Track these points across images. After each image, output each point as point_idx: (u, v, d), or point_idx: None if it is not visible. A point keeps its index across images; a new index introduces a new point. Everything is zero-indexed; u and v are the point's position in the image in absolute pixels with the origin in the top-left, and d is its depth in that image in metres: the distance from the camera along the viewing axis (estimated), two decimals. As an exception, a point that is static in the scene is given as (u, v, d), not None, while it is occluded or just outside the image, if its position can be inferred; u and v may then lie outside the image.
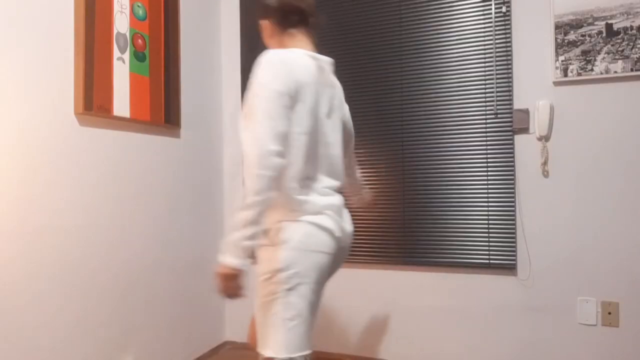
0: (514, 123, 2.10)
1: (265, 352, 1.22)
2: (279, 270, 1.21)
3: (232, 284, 1.20)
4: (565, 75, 2.03)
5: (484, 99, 2.15)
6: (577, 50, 2.01)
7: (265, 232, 1.28)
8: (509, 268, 2.13)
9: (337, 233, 1.30)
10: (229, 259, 1.17)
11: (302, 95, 1.23)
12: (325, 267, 1.27)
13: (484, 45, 2.15)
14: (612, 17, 1.96)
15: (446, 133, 2.21)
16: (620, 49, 1.95)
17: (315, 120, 1.28)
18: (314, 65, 1.30)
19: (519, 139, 2.12)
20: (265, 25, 1.41)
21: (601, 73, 1.97)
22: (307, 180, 1.29)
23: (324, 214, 1.29)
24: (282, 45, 1.37)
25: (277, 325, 1.21)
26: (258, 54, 1.27)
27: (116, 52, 1.89)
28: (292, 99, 1.22)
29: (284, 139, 1.20)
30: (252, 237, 1.16)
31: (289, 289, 1.21)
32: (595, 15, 1.99)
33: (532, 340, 2.11)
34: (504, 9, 2.12)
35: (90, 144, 1.82)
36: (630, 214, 1.96)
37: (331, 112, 1.36)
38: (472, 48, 2.17)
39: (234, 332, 2.67)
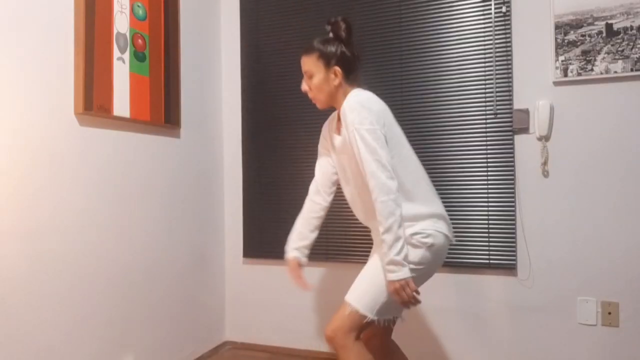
0: (514, 123, 2.10)
1: (359, 306, 1.41)
2: (416, 263, 1.44)
3: (408, 292, 1.38)
4: (565, 75, 2.03)
5: (483, 99, 2.15)
6: (577, 50, 2.01)
7: (414, 234, 1.46)
8: (509, 268, 2.13)
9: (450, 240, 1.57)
10: (396, 275, 1.37)
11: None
12: (434, 272, 1.56)
13: (484, 45, 2.15)
14: (612, 17, 1.96)
15: (446, 133, 2.21)
16: (620, 49, 1.95)
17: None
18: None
19: (519, 139, 2.12)
20: (337, 72, 1.55)
21: (601, 73, 1.97)
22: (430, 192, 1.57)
23: (447, 222, 1.56)
24: (343, 90, 1.56)
25: (381, 296, 1.42)
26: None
27: (116, 52, 1.89)
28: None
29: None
30: (402, 249, 1.38)
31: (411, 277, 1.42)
32: (595, 15, 1.99)
33: (532, 340, 2.11)
34: (504, 9, 2.12)
35: (90, 144, 1.82)
36: (631, 214, 1.96)
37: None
38: (472, 48, 2.17)
39: (234, 332, 2.67)
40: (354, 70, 1.58)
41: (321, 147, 1.76)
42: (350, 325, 1.42)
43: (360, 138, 1.41)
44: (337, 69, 1.54)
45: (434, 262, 1.51)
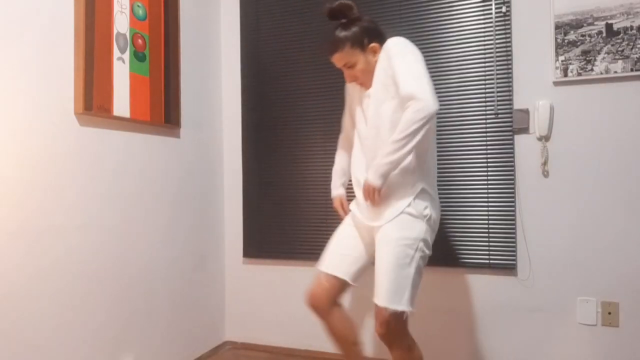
0: (514, 123, 2.10)
1: (398, 306, 1.45)
2: (421, 240, 1.50)
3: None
4: (565, 75, 2.03)
5: (484, 99, 2.15)
6: (577, 50, 2.01)
7: (412, 204, 1.51)
8: (509, 268, 2.13)
9: None
10: (377, 179, 1.48)
11: None
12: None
13: (484, 45, 2.15)
14: (612, 17, 1.96)
15: (446, 133, 2.21)
16: (620, 49, 1.95)
17: None
18: None
19: (519, 139, 2.12)
20: (375, 48, 1.57)
21: (601, 73, 1.97)
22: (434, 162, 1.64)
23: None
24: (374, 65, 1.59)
25: (409, 284, 1.47)
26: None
27: (116, 52, 1.89)
28: None
29: None
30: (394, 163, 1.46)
31: (422, 256, 1.51)
32: (595, 15, 1.99)
33: (532, 340, 2.11)
34: (504, 9, 2.12)
35: (90, 144, 1.82)
36: (631, 214, 1.96)
37: None
38: (472, 48, 2.17)
39: (234, 332, 2.67)
40: (382, 35, 1.61)
41: (348, 100, 1.81)
42: (400, 326, 1.49)
43: (410, 55, 1.48)
44: (374, 45, 1.57)
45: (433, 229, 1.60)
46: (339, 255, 1.67)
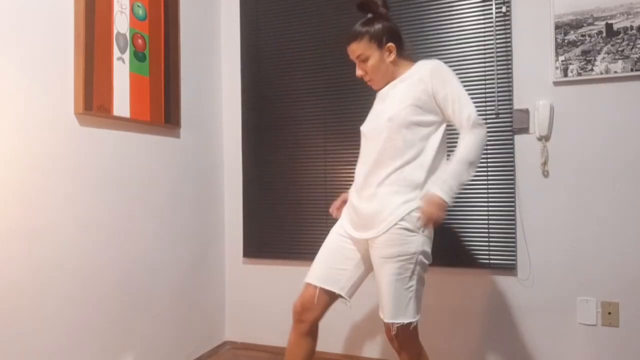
0: (514, 123, 2.10)
1: (404, 319, 1.47)
2: (419, 253, 1.48)
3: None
4: (565, 75, 2.03)
5: (484, 99, 2.15)
6: (577, 50, 2.01)
7: (408, 218, 1.48)
8: (509, 268, 2.13)
9: None
10: (447, 197, 1.47)
11: None
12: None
13: (484, 45, 2.15)
14: (612, 17, 1.96)
15: (446, 133, 2.20)
16: (620, 49, 1.95)
17: None
18: None
19: (519, 139, 2.12)
20: (391, 48, 1.57)
21: (601, 73, 1.97)
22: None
23: None
24: (398, 64, 1.59)
25: (412, 296, 1.48)
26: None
27: (116, 52, 1.89)
28: None
29: None
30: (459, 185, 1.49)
31: (422, 268, 1.50)
32: (595, 15, 1.99)
33: (532, 340, 2.11)
34: (504, 9, 2.12)
35: (90, 144, 1.81)
36: (631, 214, 1.96)
37: None
38: (472, 48, 2.17)
39: (234, 332, 2.67)
40: (401, 39, 1.61)
41: None
42: (409, 335, 1.52)
43: (457, 91, 1.51)
44: (391, 44, 1.56)
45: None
46: (334, 269, 1.62)
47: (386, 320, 1.50)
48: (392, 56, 1.57)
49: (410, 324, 1.48)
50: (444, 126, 1.55)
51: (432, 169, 1.52)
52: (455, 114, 1.51)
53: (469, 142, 1.49)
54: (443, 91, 1.50)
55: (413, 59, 1.63)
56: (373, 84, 1.63)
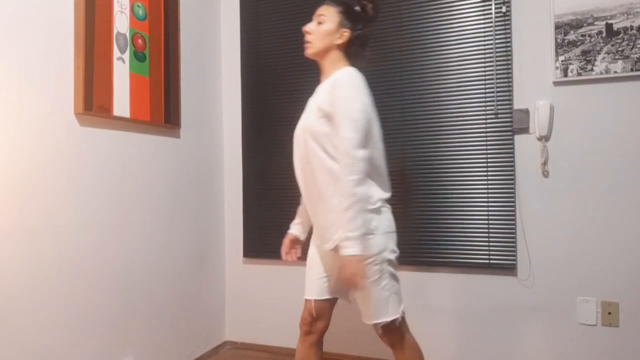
0: (514, 123, 2.10)
1: (387, 317, 1.47)
2: (382, 251, 1.46)
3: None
4: (565, 75, 2.03)
5: (484, 99, 2.15)
6: (577, 50, 2.01)
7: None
8: (509, 268, 2.13)
9: None
10: (352, 250, 1.37)
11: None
12: (396, 240, 1.57)
13: (484, 45, 2.15)
14: (612, 17, 1.96)
15: (446, 133, 2.21)
16: (620, 49, 1.95)
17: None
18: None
19: (519, 139, 2.12)
20: (346, 34, 1.56)
21: (601, 73, 1.97)
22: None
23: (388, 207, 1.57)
24: (339, 56, 1.59)
25: (388, 294, 1.47)
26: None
27: (116, 52, 1.89)
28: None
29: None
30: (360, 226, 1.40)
31: (389, 264, 1.49)
32: (595, 15, 1.99)
33: (532, 340, 2.11)
34: (504, 9, 2.12)
35: (90, 144, 1.82)
36: (631, 214, 1.96)
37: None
38: (472, 48, 2.17)
39: (234, 332, 2.67)
40: (359, 46, 1.61)
41: None
42: (396, 331, 1.51)
43: (346, 113, 1.40)
44: (347, 32, 1.56)
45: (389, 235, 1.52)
46: (319, 279, 1.66)
47: (369, 323, 1.50)
48: (341, 41, 1.57)
49: (394, 320, 1.48)
50: None
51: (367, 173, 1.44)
52: (338, 133, 1.41)
53: (339, 187, 1.37)
54: (335, 109, 1.44)
55: (355, 65, 1.60)
56: (309, 47, 1.61)
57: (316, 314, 1.65)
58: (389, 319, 1.47)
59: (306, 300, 1.68)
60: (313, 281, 1.68)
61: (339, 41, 1.57)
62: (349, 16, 1.57)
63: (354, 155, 1.36)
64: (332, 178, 1.45)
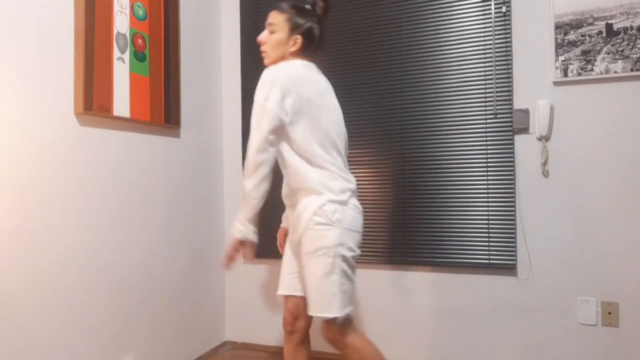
0: (513, 123, 2.10)
1: (329, 314, 1.45)
2: (337, 246, 1.45)
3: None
4: (565, 75, 2.03)
5: (483, 99, 2.15)
6: (577, 50, 2.01)
7: (320, 212, 1.48)
8: (509, 268, 2.13)
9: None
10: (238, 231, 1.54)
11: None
12: (360, 242, 1.57)
13: (484, 45, 2.15)
14: (612, 17, 1.96)
15: (446, 133, 2.21)
16: (620, 49, 1.95)
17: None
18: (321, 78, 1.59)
19: (519, 139, 2.12)
20: (297, 41, 1.57)
21: (601, 73, 1.97)
22: (337, 167, 1.54)
23: (355, 197, 1.57)
24: (294, 59, 1.57)
25: (336, 290, 1.45)
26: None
27: (116, 52, 1.89)
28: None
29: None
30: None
31: (343, 260, 1.47)
32: (595, 15, 1.99)
33: (532, 340, 2.11)
34: (504, 9, 2.12)
35: (90, 144, 1.82)
36: (631, 214, 1.96)
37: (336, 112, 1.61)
38: (472, 48, 2.17)
39: (234, 332, 2.67)
40: (313, 48, 1.62)
41: None
42: (337, 331, 1.50)
43: (252, 117, 1.48)
44: (300, 38, 1.57)
45: (352, 229, 1.53)
46: (290, 275, 1.70)
47: (311, 314, 1.50)
48: (294, 48, 1.57)
49: (335, 319, 1.46)
50: (290, 126, 1.50)
51: (312, 164, 1.51)
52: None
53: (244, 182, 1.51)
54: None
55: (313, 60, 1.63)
56: (265, 56, 1.62)
57: (294, 311, 1.67)
58: (330, 315, 1.46)
59: (281, 297, 1.71)
60: (284, 276, 1.71)
61: (293, 49, 1.58)
62: (297, 24, 1.57)
63: (252, 159, 1.48)
64: (297, 174, 1.53)
